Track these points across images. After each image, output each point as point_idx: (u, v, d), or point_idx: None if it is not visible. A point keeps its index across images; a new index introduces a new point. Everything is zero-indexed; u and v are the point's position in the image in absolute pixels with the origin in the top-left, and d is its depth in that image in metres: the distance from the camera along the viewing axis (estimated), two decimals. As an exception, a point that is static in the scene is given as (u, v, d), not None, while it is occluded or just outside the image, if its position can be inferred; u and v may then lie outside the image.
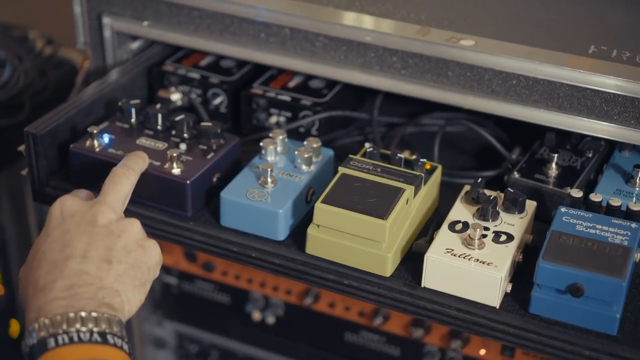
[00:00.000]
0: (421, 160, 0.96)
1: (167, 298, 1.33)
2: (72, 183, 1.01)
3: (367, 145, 0.99)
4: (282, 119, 1.09)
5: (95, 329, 0.73)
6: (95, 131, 0.99)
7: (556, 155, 0.99)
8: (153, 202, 0.97)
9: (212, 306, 1.29)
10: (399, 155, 0.96)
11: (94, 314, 0.74)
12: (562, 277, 0.83)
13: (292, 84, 1.12)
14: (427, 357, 1.18)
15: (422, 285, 0.89)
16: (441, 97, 1.00)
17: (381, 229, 0.88)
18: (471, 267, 0.86)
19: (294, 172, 0.98)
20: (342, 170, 0.94)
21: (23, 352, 0.74)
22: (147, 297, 0.83)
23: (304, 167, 0.98)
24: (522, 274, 0.89)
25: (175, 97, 1.12)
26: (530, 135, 1.06)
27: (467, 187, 0.95)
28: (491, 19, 1.04)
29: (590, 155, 1.02)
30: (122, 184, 0.85)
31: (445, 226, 0.90)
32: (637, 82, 0.92)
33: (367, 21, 1.02)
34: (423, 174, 0.94)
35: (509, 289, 0.88)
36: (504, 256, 0.87)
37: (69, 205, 0.83)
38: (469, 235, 0.88)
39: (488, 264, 0.86)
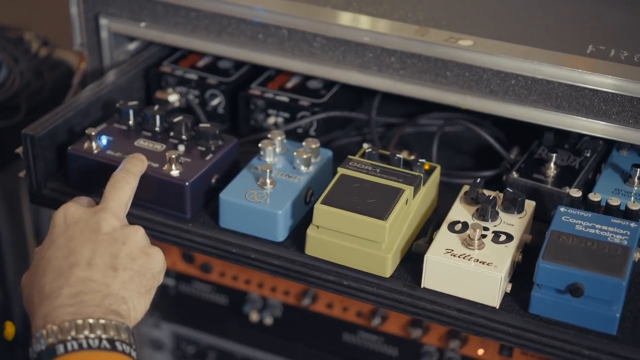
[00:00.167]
0: (420, 160, 0.96)
1: (165, 299, 1.32)
2: (70, 185, 1.01)
3: (365, 145, 0.99)
4: (280, 119, 1.09)
5: (103, 336, 0.73)
6: (93, 133, 0.98)
7: (555, 155, 0.99)
8: (152, 204, 0.97)
9: (210, 307, 1.29)
10: (397, 155, 0.96)
11: (102, 321, 0.74)
12: (562, 277, 0.83)
13: (290, 84, 1.12)
14: (425, 357, 1.18)
15: (422, 286, 0.89)
16: (440, 97, 1.00)
17: (381, 230, 0.88)
18: (471, 267, 0.86)
19: (293, 173, 0.97)
20: (341, 171, 0.94)
21: (30, 359, 0.74)
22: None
23: (302, 168, 0.98)
24: (521, 274, 0.89)
25: (173, 98, 1.12)
26: (528, 135, 1.06)
27: (466, 187, 0.95)
28: (489, 19, 1.04)
29: (588, 154, 1.02)
30: (123, 189, 0.85)
31: (444, 226, 0.90)
32: (635, 82, 0.92)
33: (365, 21, 1.02)
34: (422, 175, 0.94)
35: (508, 289, 0.88)
36: (504, 256, 0.87)
37: (72, 212, 0.82)
38: (468, 236, 0.88)
39: (488, 264, 0.86)
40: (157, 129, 1.02)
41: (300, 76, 1.13)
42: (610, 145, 1.04)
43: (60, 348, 0.72)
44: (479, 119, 1.10)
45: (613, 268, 0.83)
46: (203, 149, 0.99)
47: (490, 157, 1.07)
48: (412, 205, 0.93)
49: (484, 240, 0.88)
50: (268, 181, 0.95)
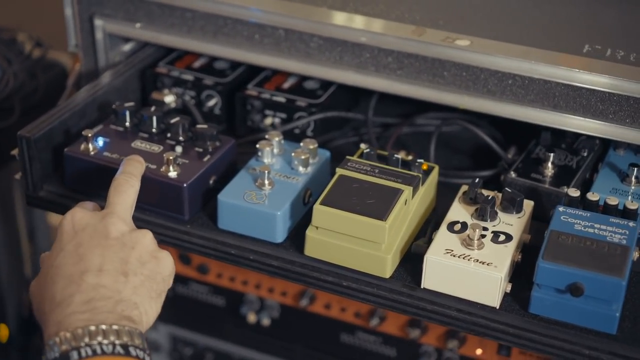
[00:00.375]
0: (418, 160, 0.96)
1: (161, 301, 1.32)
2: (67, 187, 1.01)
3: (363, 146, 0.99)
4: (277, 120, 1.09)
5: (117, 342, 0.73)
6: (89, 135, 0.98)
7: (552, 154, 0.99)
8: (149, 206, 0.96)
9: (207, 309, 1.29)
10: (396, 156, 0.96)
11: (115, 327, 0.73)
12: (562, 276, 0.83)
13: (286, 85, 1.11)
14: (423, 358, 1.18)
15: (422, 286, 0.89)
16: (437, 98, 1.00)
17: (380, 230, 0.88)
18: (471, 267, 0.86)
19: (291, 173, 0.97)
20: (339, 171, 0.94)
21: None
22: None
23: (300, 168, 0.98)
24: (521, 274, 0.89)
25: (169, 99, 1.11)
26: (525, 134, 1.06)
27: (464, 187, 0.95)
28: (486, 19, 1.04)
29: (585, 154, 1.02)
30: (127, 192, 0.85)
31: (444, 227, 0.90)
32: (632, 81, 0.92)
33: (362, 22, 1.02)
34: (421, 175, 0.94)
35: (508, 289, 0.88)
36: (504, 256, 0.87)
37: (80, 217, 0.82)
38: (468, 236, 0.88)
39: (488, 264, 0.86)
40: (153, 130, 1.01)
41: (297, 77, 1.12)
42: (606, 144, 1.04)
43: (74, 355, 0.72)
44: (476, 118, 1.10)
45: (613, 267, 0.83)
46: (200, 150, 0.99)
47: (488, 156, 1.07)
48: (411, 206, 0.93)
49: (483, 240, 0.88)
50: (266, 182, 0.95)
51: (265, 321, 1.25)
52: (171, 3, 1.07)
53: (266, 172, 0.94)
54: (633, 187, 0.97)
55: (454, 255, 0.87)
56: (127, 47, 1.17)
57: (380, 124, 1.15)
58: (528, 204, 0.94)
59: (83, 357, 0.71)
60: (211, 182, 0.98)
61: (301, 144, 0.99)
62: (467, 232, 0.88)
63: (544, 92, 0.95)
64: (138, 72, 1.13)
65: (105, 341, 0.72)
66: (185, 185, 0.94)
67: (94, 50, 1.14)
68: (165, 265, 0.82)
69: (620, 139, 0.95)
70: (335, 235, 0.90)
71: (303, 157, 0.97)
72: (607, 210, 0.90)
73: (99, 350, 0.72)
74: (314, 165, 0.99)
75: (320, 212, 0.89)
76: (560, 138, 1.04)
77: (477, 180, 0.94)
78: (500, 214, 0.92)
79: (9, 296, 1.44)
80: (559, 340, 0.84)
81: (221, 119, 1.12)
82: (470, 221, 0.91)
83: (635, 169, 0.97)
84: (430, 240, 0.90)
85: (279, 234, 0.94)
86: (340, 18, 1.03)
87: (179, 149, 0.99)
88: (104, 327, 0.73)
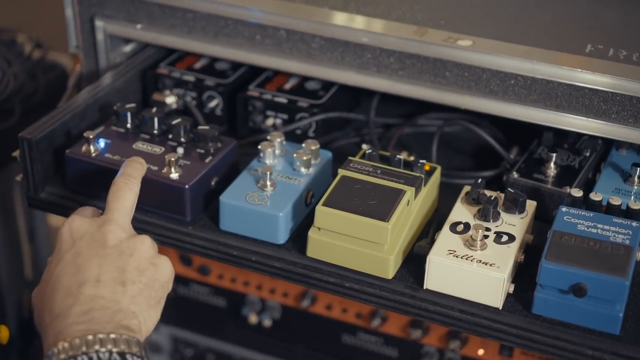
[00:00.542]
0: (420, 161, 0.96)
1: (162, 302, 1.32)
2: (68, 189, 1.00)
3: (365, 146, 0.98)
4: (278, 121, 1.09)
5: (114, 350, 0.73)
6: (91, 136, 0.97)
7: (555, 154, 0.99)
8: (151, 207, 0.96)
9: (208, 310, 1.29)
10: (398, 156, 0.95)
11: (112, 336, 0.74)
12: (565, 277, 0.83)
13: (288, 85, 1.11)
14: (425, 358, 1.18)
15: (425, 287, 0.89)
16: (439, 98, 0.99)
17: (383, 231, 0.87)
18: (474, 268, 0.86)
19: (293, 174, 0.97)
20: (342, 172, 0.93)
21: None
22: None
23: (302, 169, 0.97)
24: (524, 274, 0.89)
25: (170, 100, 1.11)
26: (527, 134, 1.06)
27: (467, 188, 0.95)
28: (488, 19, 1.04)
29: (587, 154, 1.02)
30: (125, 196, 0.84)
31: (446, 227, 0.90)
32: (634, 81, 0.92)
33: (364, 22, 1.02)
34: (423, 175, 0.94)
35: (511, 289, 0.88)
36: (506, 257, 0.87)
37: (78, 226, 0.82)
38: (470, 236, 0.88)
39: (490, 265, 0.86)
40: (155, 131, 1.01)
41: (298, 77, 1.12)
42: (609, 144, 1.04)
43: None
44: (478, 119, 1.10)
45: (616, 268, 0.83)
46: (202, 151, 0.98)
47: (490, 157, 1.07)
48: (413, 206, 0.92)
49: (486, 240, 0.88)
50: (268, 183, 0.94)
51: (267, 322, 1.25)
52: (172, 4, 1.07)
53: (268, 173, 0.94)
54: (636, 187, 0.97)
55: (456, 256, 0.87)
56: (128, 48, 1.16)
57: (382, 124, 1.14)
58: (531, 204, 0.94)
59: None
60: (213, 183, 0.98)
61: (303, 144, 0.99)
62: (470, 232, 0.88)
63: (547, 92, 0.95)
64: (139, 73, 1.13)
65: (103, 349, 0.73)
66: (187, 186, 0.94)
67: (94, 51, 1.14)
68: (163, 271, 0.82)
69: (623, 139, 0.95)
70: (337, 236, 0.90)
71: (305, 158, 0.97)
72: (610, 210, 0.90)
73: (95, 358, 0.72)
74: (315, 166, 0.98)
75: (323, 213, 0.89)
76: (563, 138, 1.04)
77: (479, 180, 0.94)
78: (503, 215, 0.92)
79: (9, 297, 1.44)
80: (562, 340, 0.84)
81: (222, 120, 1.12)
82: (472, 222, 0.91)
83: (638, 168, 0.97)
84: (432, 241, 0.90)
85: (281, 235, 0.93)
86: (341, 18, 1.03)
87: (180, 150, 0.99)
88: (101, 336, 0.73)
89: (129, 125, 1.02)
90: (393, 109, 1.15)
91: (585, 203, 0.91)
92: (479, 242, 0.87)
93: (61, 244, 0.81)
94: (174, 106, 1.12)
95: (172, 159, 0.94)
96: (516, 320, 0.86)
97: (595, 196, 0.91)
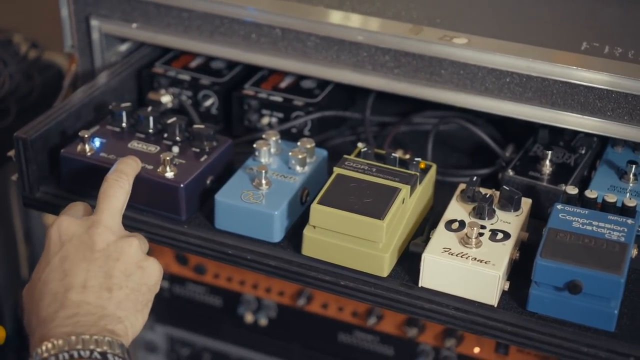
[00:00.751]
0: (416, 159, 0.96)
1: (158, 301, 1.31)
2: (64, 188, 1.00)
3: (360, 145, 0.98)
4: (274, 119, 1.09)
5: (97, 349, 0.74)
6: (86, 135, 0.97)
7: (550, 152, 0.99)
8: (147, 206, 0.96)
9: (204, 309, 1.29)
10: (393, 154, 0.95)
11: (95, 337, 0.74)
12: (560, 274, 0.83)
13: (283, 84, 1.11)
14: (421, 356, 1.18)
15: (420, 285, 0.89)
16: (435, 96, 0.99)
17: (378, 229, 0.87)
18: (469, 265, 0.86)
19: (288, 173, 0.97)
20: (337, 170, 0.93)
21: None
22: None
23: (298, 168, 0.97)
24: (519, 272, 0.89)
25: (166, 99, 1.11)
26: (523, 132, 1.06)
27: (462, 186, 0.95)
28: (484, 17, 1.04)
29: (583, 151, 1.02)
30: (116, 195, 0.84)
31: (441, 225, 0.90)
32: (630, 78, 0.92)
33: (359, 20, 1.02)
34: (418, 173, 0.94)
35: (506, 287, 0.88)
36: (502, 254, 0.87)
37: (66, 227, 0.82)
38: (465, 234, 0.88)
39: (486, 263, 0.86)
40: (150, 130, 1.01)
41: (293, 76, 1.12)
42: (604, 141, 1.04)
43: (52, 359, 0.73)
44: (473, 117, 1.10)
45: (611, 265, 0.83)
46: (197, 150, 0.98)
47: (486, 155, 1.07)
48: (408, 204, 0.92)
49: (481, 238, 0.88)
50: (263, 182, 0.94)
51: (263, 321, 1.25)
52: (167, 3, 1.07)
53: (263, 171, 0.94)
54: (631, 185, 0.97)
55: (451, 254, 0.87)
56: (124, 47, 1.16)
57: (378, 122, 1.14)
58: (526, 202, 0.94)
59: None
60: (208, 182, 0.98)
61: (298, 143, 0.99)
62: (465, 230, 0.88)
63: (542, 89, 0.95)
64: (134, 73, 1.13)
65: (84, 349, 0.73)
66: (182, 185, 0.94)
67: (90, 50, 1.14)
68: (150, 274, 0.82)
69: (618, 136, 0.95)
70: (332, 235, 0.90)
71: (300, 156, 0.97)
72: (605, 207, 0.90)
73: (76, 355, 0.73)
74: (311, 164, 0.98)
75: (318, 212, 0.89)
76: (558, 136, 1.04)
77: (474, 178, 0.94)
78: (498, 212, 0.92)
79: (5, 298, 1.44)
80: (557, 338, 0.84)
81: (218, 118, 1.12)
82: (468, 219, 0.91)
83: (634, 166, 0.97)
84: (427, 239, 0.90)
85: (277, 234, 0.93)
86: (337, 17, 1.03)
87: (175, 149, 0.99)
88: (84, 337, 0.74)
89: (124, 125, 1.02)
90: (388, 108, 1.15)
91: (580, 200, 0.91)
92: (474, 240, 0.87)
93: (49, 246, 0.81)
94: (170, 105, 1.12)
95: (168, 158, 0.94)
96: (511, 317, 0.86)
97: (590, 194, 0.91)
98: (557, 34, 1.01)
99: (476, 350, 1.14)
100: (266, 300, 1.24)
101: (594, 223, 0.87)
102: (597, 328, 0.84)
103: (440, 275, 0.87)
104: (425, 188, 0.96)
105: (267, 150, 0.98)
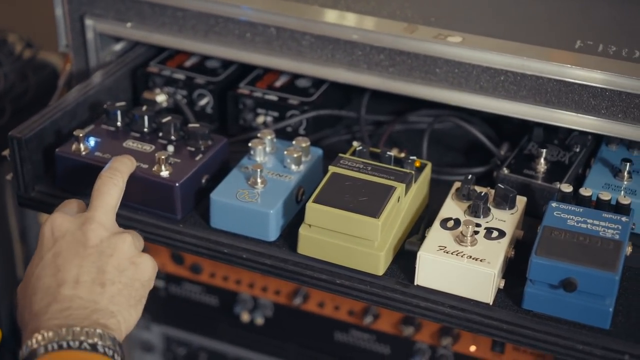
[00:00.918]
0: (411, 157, 0.96)
1: (155, 301, 1.32)
2: (59, 187, 1.00)
3: (356, 143, 0.98)
4: (269, 118, 1.09)
5: (87, 341, 0.74)
6: (81, 135, 0.97)
7: (545, 150, 0.99)
8: (142, 205, 0.96)
9: (200, 308, 1.29)
10: (388, 153, 0.95)
11: (86, 329, 0.75)
12: (555, 272, 0.83)
13: (278, 83, 1.11)
14: (417, 355, 1.18)
15: (415, 283, 0.89)
16: (429, 94, 1.00)
17: (373, 228, 0.87)
18: (464, 263, 0.86)
19: (284, 172, 0.97)
20: (332, 169, 0.93)
21: None
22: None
23: (293, 166, 0.97)
24: (514, 270, 0.89)
25: (161, 98, 1.11)
26: (518, 131, 1.06)
27: (457, 184, 0.95)
28: (478, 16, 1.04)
29: (577, 149, 1.02)
30: (110, 192, 0.84)
31: (437, 223, 0.90)
32: (624, 76, 0.92)
33: (354, 19, 1.02)
34: (413, 172, 0.94)
35: (501, 285, 0.88)
36: (497, 252, 0.87)
37: (59, 224, 0.82)
38: (461, 232, 0.88)
39: (481, 261, 0.86)
40: (145, 129, 1.01)
41: (288, 75, 1.12)
42: (599, 140, 1.04)
43: (41, 349, 0.73)
44: (468, 115, 1.10)
45: (606, 262, 0.83)
46: (192, 149, 0.98)
47: (480, 153, 1.07)
48: (403, 203, 0.92)
49: (476, 236, 0.88)
50: (259, 180, 0.94)
51: (259, 320, 1.25)
52: (162, 2, 1.07)
53: (258, 170, 0.94)
54: (625, 182, 0.97)
55: (447, 252, 0.87)
56: (118, 46, 1.16)
57: (373, 121, 1.15)
58: (521, 200, 0.94)
59: (49, 350, 0.73)
60: (203, 181, 0.98)
61: (293, 142, 0.99)
62: (460, 228, 0.88)
63: (536, 88, 0.95)
64: (129, 72, 1.13)
65: (75, 339, 0.74)
66: (177, 184, 0.94)
67: (84, 50, 1.14)
68: (144, 270, 0.82)
69: (613, 134, 0.95)
70: (328, 233, 0.90)
71: (295, 155, 0.97)
72: (600, 205, 0.90)
73: (65, 345, 0.73)
74: (306, 163, 0.98)
75: (313, 210, 0.89)
76: (553, 134, 1.04)
77: (469, 176, 0.94)
78: (493, 210, 0.92)
79: (1, 298, 1.44)
80: (553, 335, 0.84)
81: (213, 118, 1.12)
82: (463, 218, 0.91)
83: (628, 164, 0.97)
84: (423, 237, 0.90)
85: (272, 233, 0.93)
86: (331, 16, 1.03)
87: (170, 148, 0.98)
88: (75, 329, 0.74)
89: (119, 124, 1.02)
90: (384, 106, 1.15)
91: (575, 198, 0.91)
92: (469, 238, 0.87)
93: (42, 242, 0.81)
94: (165, 104, 1.12)
95: (163, 157, 0.94)
96: (507, 315, 0.86)
97: (585, 191, 0.91)
98: (551, 32, 1.01)
99: (472, 348, 1.14)
100: (262, 300, 1.24)
101: (588, 221, 0.88)
102: (592, 325, 0.85)
103: (435, 273, 0.87)
104: (420, 186, 0.96)
105: (263, 149, 0.98)
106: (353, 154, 0.97)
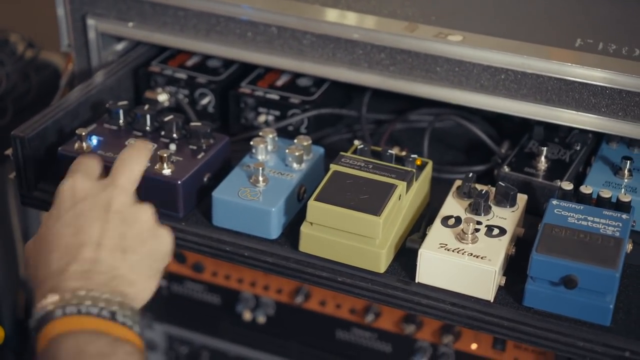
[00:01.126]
0: (412, 156, 0.96)
1: (157, 300, 1.32)
2: (61, 186, 1.01)
3: (357, 142, 0.99)
4: (270, 117, 1.09)
5: (108, 308, 0.72)
6: (83, 133, 0.98)
7: (545, 148, 0.99)
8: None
9: (202, 307, 1.29)
10: (389, 151, 0.96)
11: (105, 296, 0.73)
12: (556, 269, 0.84)
13: (280, 82, 1.12)
14: (419, 353, 1.18)
15: (416, 281, 0.89)
16: (430, 93, 1.00)
17: (375, 226, 0.88)
18: (465, 261, 0.86)
19: (285, 170, 0.97)
20: (333, 167, 0.94)
21: (30, 327, 0.73)
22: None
23: (295, 165, 0.98)
24: (515, 267, 0.90)
25: (163, 97, 1.12)
26: (518, 129, 1.07)
27: (458, 182, 0.96)
28: (478, 14, 1.05)
29: (578, 147, 1.03)
30: (131, 168, 0.83)
31: (438, 221, 0.91)
32: (624, 74, 0.92)
33: (355, 18, 1.02)
34: (414, 170, 0.94)
35: (502, 282, 0.88)
36: (498, 250, 0.87)
37: (81, 187, 0.80)
38: (462, 230, 0.88)
39: (482, 258, 0.86)
40: (147, 128, 1.01)
41: (290, 74, 1.13)
42: (599, 138, 1.05)
43: (59, 312, 0.71)
44: (469, 114, 1.10)
45: (606, 260, 0.83)
46: (194, 147, 0.99)
47: (481, 151, 1.07)
48: (405, 201, 0.93)
49: (477, 234, 0.89)
50: (261, 179, 0.95)
51: (261, 319, 1.25)
52: (164, 2, 1.07)
53: (260, 168, 0.95)
54: (626, 180, 0.97)
55: (448, 250, 0.87)
56: (120, 46, 1.17)
57: (374, 120, 1.15)
58: (522, 198, 0.94)
59: (67, 314, 0.71)
60: (205, 179, 0.98)
61: (295, 140, 0.99)
62: (461, 226, 0.89)
63: (537, 86, 0.96)
64: (131, 71, 1.14)
65: (93, 305, 0.72)
66: (179, 182, 0.94)
67: (86, 49, 1.14)
68: (164, 243, 0.81)
69: (613, 132, 0.96)
70: (329, 231, 0.90)
71: (297, 153, 0.97)
72: (600, 203, 0.91)
73: (84, 310, 0.71)
74: (308, 161, 0.99)
75: (315, 208, 0.90)
76: (553, 132, 1.04)
77: (470, 175, 0.94)
78: (494, 208, 0.92)
79: (4, 297, 1.44)
80: (554, 332, 0.85)
81: (215, 117, 1.12)
82: (464, 215, 0.91)
83: (628, 161, 0.97)
84: (424, 235, 0.90)
85: (274, 231, 0.94)
86: (332, 15, 1.03)
87: (172, 146, 0.99)
88: (94, 294, 0.73)
89: (121, 123, 1.02)
90: (384, 105, 1.16)
91: (575, 196, 0.92)
92: (470, 236, 0.88)
93: (61, 202, 0.80)
94: (166, 104, 1.12)
95: (165, 155, 0.95)
96: (507, 312, 0.86)
97: (585, 189, 0.91)
98: (551, 30, 1.01)
99: (474, 346, 1.14)
100: (264, 298, 1.25)
101: (589, 218, 0.88)
102: (593, 322, 0.85)
103: (436, 270, 0.88)
104: (421, 184, 0.97)
105: (264, 148, 0.99)
106: (354, 152, 0.97)
